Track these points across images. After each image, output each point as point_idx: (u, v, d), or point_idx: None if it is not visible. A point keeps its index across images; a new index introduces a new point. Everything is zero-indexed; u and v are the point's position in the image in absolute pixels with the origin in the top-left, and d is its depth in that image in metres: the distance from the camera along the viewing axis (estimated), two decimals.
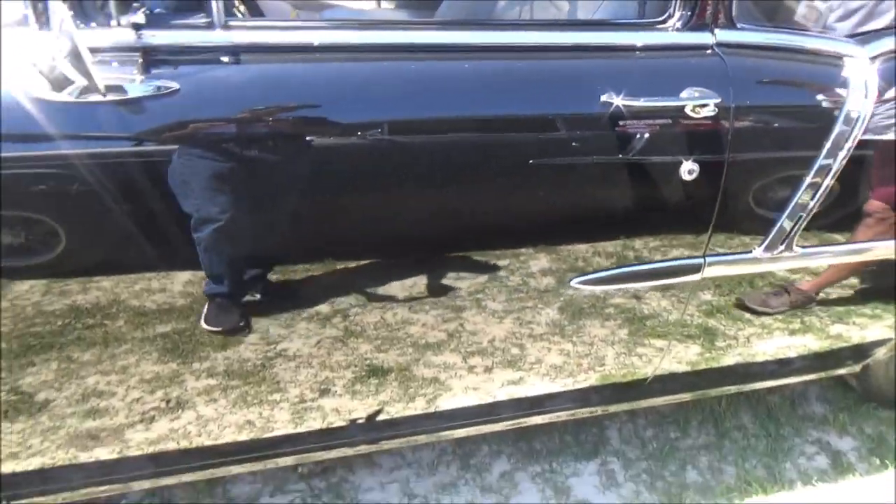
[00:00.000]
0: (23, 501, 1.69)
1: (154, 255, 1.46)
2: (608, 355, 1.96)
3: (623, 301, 1.88)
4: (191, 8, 1.49)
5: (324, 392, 1.73)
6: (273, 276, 1.55)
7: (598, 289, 1.82)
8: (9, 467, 1.57)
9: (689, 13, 1.70)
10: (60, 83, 1.27)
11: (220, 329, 1.52)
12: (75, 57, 1.19)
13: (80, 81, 1.26)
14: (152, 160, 1.39)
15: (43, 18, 1.25)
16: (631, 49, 1.71)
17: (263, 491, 2.19)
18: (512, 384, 1.92)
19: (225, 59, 1.44)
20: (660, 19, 1.72)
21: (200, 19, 1.42)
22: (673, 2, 1.70)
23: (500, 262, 1.71)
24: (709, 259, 1.87)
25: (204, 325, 1.52)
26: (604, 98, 1.61)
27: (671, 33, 1.72)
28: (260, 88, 1.46)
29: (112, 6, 1.31)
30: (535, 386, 1.95)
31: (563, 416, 2.11)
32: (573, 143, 1.64)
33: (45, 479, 1.64)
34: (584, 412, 2.13)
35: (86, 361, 1.49)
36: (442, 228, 1.68)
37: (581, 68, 1.69)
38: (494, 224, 1.70)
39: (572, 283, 1.79)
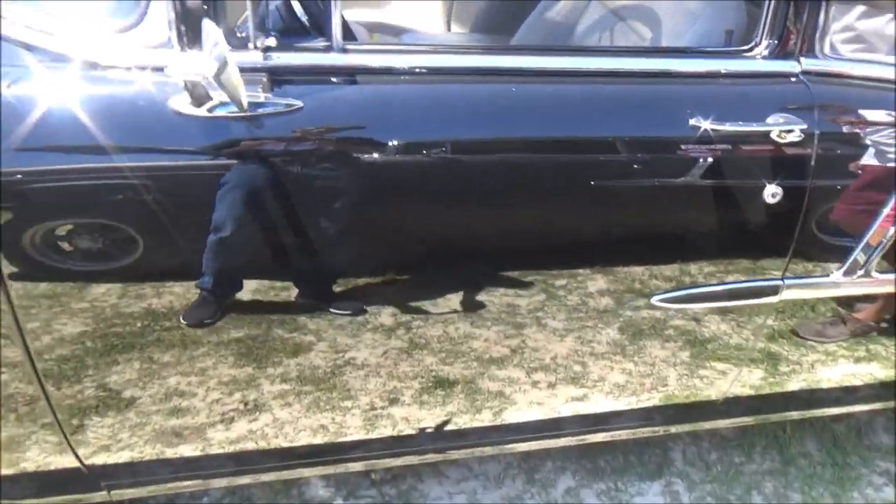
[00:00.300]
0: (120, 492, 1.74)
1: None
2: (671, 376, 1.93)
3: (682, 323, 1.86)
4: (295, 31, 1.56)
5: (393, 401, 1.75)
6: (338, 287, 1.58)
7: (679, 306, 1.81)
8: (101, 459, 1.63)
9: (775, 42, 1.70)
10: (201, 99, 1.35)
11: (184, 322, 1.52)
12: (227, 76, 1.25)
13: (222, 98, 1.34)
14: (278, 172, 1.46)
15: (185, 40, 1.35)
16: (718, 76, 1.71)
17: (337, 495, 2.21)
18: (576, 400, 1.90)
19: (342, 79, 1.50)
20: (746, 47, 1.72)
21: (320, 43, 1.49)
22: (759, 31, 1.70)
23: (579, 282, 1.72)
24: (787, 281, 1.84)
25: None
26: (692, 122, 1.62)
27: (758, 61, 1.72)
28: (375, 108, 1.52)
29: (251, 31, 1.38)
30: (599, 403, 1.93)
31: (625, 434, 2.08)
32: (660, 166, 1.65)
33: (135, 472, 1.69)
34: (646, 431, 2.09)
35: (166, 362, 1.54)
36: (526, 247, 1.70)
37: (671, 93, 1.70)
38: (573, 244, 1.72)
39: (653, 301, 1.78)
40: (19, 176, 1.31)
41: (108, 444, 1.60)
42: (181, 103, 1.36)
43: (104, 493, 1.72)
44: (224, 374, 1.58)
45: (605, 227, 1.72)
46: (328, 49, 1.47)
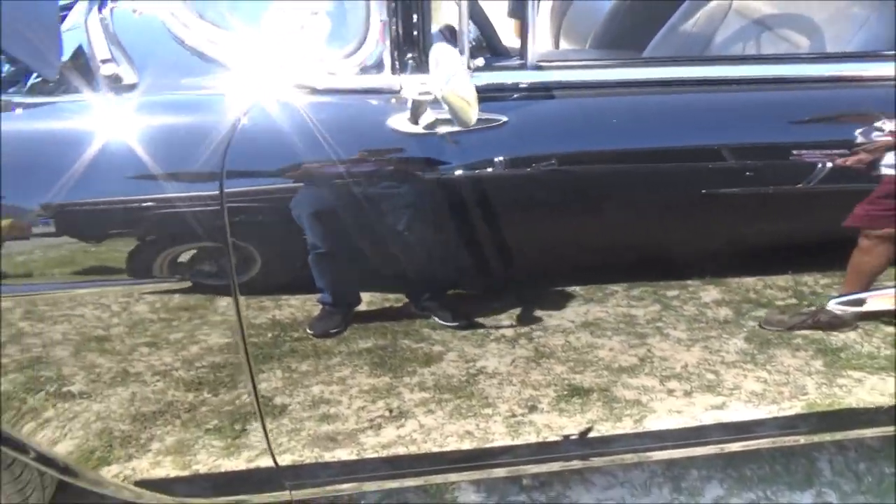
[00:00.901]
0: (300, 492, 1.71)
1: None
2: (808, 385, 1.74)
3: (809, 332, 1.67)
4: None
5: (532, 408, 1.66)
6: (452, 292, 1.50)
7: (857, 310, 1.64)
8: (266, 462, 1.60)
9: None
10: (418, 115, 1.33)
11: (311, 333, 1.46)
12: (463, 94, 1.21)
13: (439, 115, 1.32)
14: (486, 185, 1.41)
15: (398, 64, 1.34)
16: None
17: (488, 500, 2.11)
18: (715, 409, 1.74)
19: (539, 94, 1.44)
20: None
21: (514, 61, 1.44)
22: None
23: (740, 289, 1.58)
24: None
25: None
26: (877, 124, 1.47)
27: None
28: (573, 121, 1.46)
29: (465, 53, 1.34)
30: (739, 411, 1.76)
31: (767, 442, 1.86)
32: (840, 171, 1.48)
33: (297, 474, 1.65)
34: (789, 440, 1.89)
35: (304, 371, 1.50)
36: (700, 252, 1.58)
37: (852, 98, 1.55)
38: (739, 250, 1.57)
39: (829, 306, 1.62)
40: (258, 194, 1.34)
41: (265, 448, 1.56)
42: (400, 121, 1.35)
43: (287, 492, 1.69)
44: (363, 383, 1.54)
45: (767, 232, 1.56)
46: (523, 66, 1.41)
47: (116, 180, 1.28)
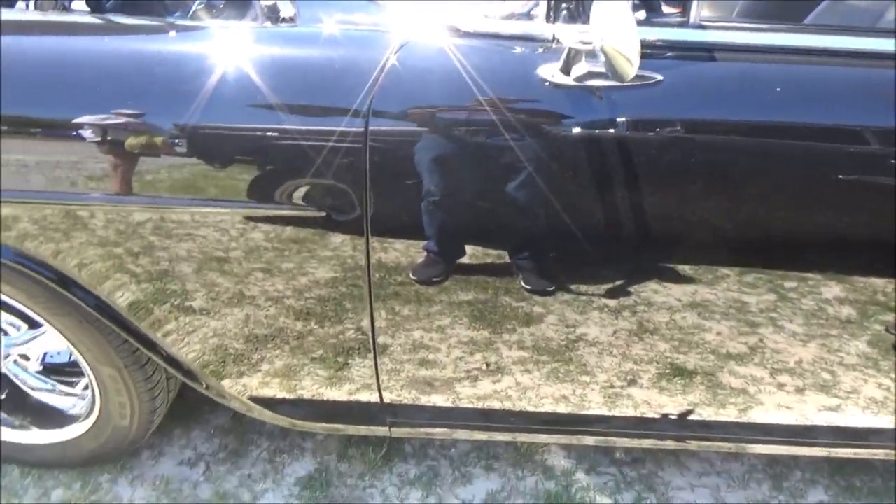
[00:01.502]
0: (399, 429, 1.72)
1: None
2: None
3: None
4: None
5: (631, 382, 1.58)
6: (548, 255, 1.42)
7: None
8: (370, 396, 1.61)
9: None
10: (571, 65, 1.25)
11: (415, 279, 1.41)
12: (626, 47, 1.13)
13: (592, 68, 1.23)
14: (630, 146, 1.30)
15: (553, 12, 1.27)
16: None
17: (578, 467, 2.05)
18: (828, 410, 1.61)
19: (700, 54, 1.32)
20: None
21: (675, 18, 1.34)
22: None
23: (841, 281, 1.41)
24: None
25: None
26: None
27: None
28: (733, 86, 1.32)
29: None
30: (855, 417, 1.62)
31: (881, 454, 1.71)
32: None
33: (396, 413, 1.65)
34: None
35: (406, 316, 1.48)
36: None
37: None
38: (873, 246, 1.39)
39: None
40: (402, 135, 1.29)
41: (369, 383, 1.57)
42: (550, 71, 1.27)
43: (386, 428, 1.71)
44: (462, 335, 1.51)
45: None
46: (684, 24, 1.31)
47: (260, 108, 1.27)
